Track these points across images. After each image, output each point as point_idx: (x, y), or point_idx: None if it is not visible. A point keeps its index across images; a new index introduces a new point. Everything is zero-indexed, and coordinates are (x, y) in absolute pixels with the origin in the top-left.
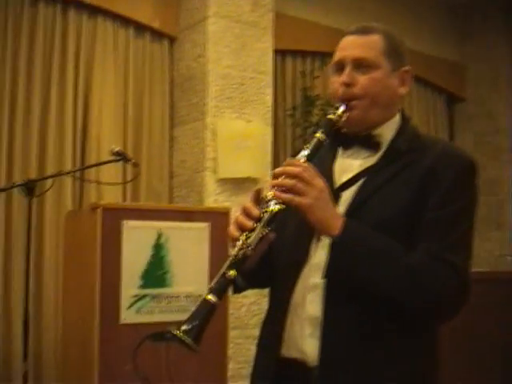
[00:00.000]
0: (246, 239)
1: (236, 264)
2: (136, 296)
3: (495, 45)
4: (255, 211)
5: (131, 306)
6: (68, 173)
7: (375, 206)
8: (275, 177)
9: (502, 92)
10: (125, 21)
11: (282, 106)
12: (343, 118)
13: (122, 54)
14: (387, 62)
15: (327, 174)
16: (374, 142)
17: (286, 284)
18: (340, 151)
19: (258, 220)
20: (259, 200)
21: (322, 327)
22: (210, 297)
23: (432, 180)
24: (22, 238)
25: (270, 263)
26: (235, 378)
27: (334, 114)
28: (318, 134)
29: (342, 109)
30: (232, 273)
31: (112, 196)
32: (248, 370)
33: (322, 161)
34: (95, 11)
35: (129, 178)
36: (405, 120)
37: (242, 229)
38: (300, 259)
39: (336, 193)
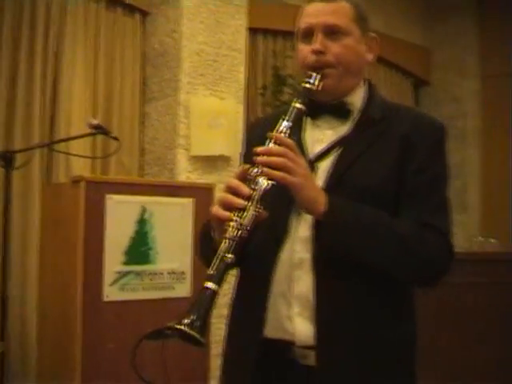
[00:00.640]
0: (240, 219)
1: (233, 247)
2: (119, 273)
3: (462, 30)
4: (246, 189)
5: (114, 282)
6: (49, 144)
7: (356, 176)
8: (258, 155)
9: (468, 77)
10: None
11: (254, 84)
12: (317, 87)
13: (92, 27)
14: (357, 29)
15: (298, 145)
16: (345, 110)
17: (264, 260)
18: (308, 121)
19: (248, 199)
20: (245, 179)
21: (316, 305)
22: (210, 284)
23: (409, 147)
24: None
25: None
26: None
27: (309, 83)
28: (298, 104)
29: (317, 77)
30: (230, 256)
31: (81, 172)
32: (217, 349)
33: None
34: None
35: (98, 152)
36: (372, 87)
37: (231, 208)
38: (280, 234)
39: (311, 164)
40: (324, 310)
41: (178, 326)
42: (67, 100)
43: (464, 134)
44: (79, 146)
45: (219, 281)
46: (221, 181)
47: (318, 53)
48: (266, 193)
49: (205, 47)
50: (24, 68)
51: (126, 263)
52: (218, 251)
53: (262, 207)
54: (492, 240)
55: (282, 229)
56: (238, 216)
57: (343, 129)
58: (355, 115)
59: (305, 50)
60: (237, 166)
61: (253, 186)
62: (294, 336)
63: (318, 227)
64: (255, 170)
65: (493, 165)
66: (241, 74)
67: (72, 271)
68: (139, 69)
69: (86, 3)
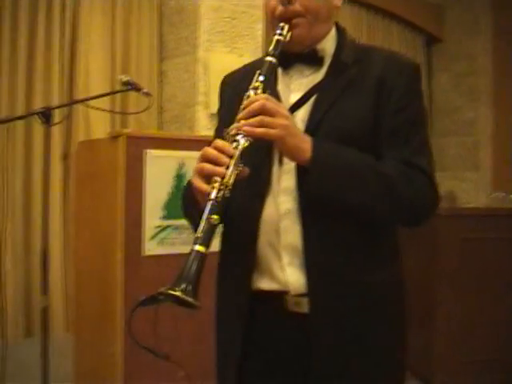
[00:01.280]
0: (222, 180)
1: (217, 207)
2: (159, 227)
3: None
4: (229, 147)
5: (154, 237)
6: (85, 99)
7: (334, 121)
8: (241, 113)
9: (480, 34)
10: None
11: None
12: (287, 38)
13: None
14: None
15: (274, 96)
16: (317, 57)
17: (249, 214)
18: (280, 71)
19: (230, 157)
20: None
21: (305, 253)
22: (198, 247)
23: (384, 88)
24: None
25: None
26: None
27: (280, 34)
28: (269, 58)
29: (286, 28)
30: (215, 217)
31: (101, 130)
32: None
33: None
34: None
35: (117, 109)
36: (341, 31)
37: (217, 164)
38: (262, 187)
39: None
40: (313, 258)
41: (171, 292)
42: (85, 59)
43: (476, 92)
44: (97, 104)
45: (207, 243)
46: None
47: (285, 3)
48: (245, 150)
49: (222, 3)
50: (42, 26)
51: (165, 218)
52: (203, 214)
53: (242, 165)
54: None
55: (264, 181)
56: (220, 177)
57: (317, 76)
58: (327, 61)
59: (272, 2)
60: None
61: (233, 145)
62: (287, 285)
63: (304, 174)
64: (233, 130)
65: (505, 122)
66: (259, 31)
67: (112, 226)
68: (156, 26)
69: None
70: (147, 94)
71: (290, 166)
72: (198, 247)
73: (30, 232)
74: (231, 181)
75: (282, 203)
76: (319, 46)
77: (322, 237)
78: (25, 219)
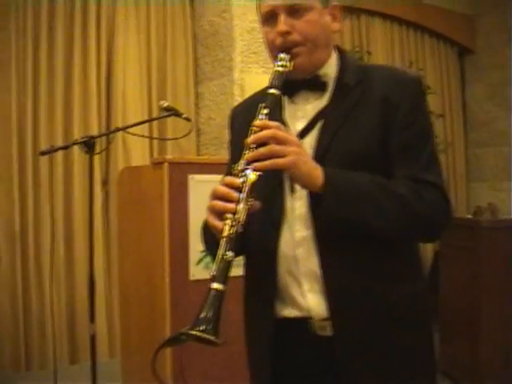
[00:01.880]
0: (234, 216)
1: (231, 244)
2: (204, 251)
3: None
4: (238, 182)
5: (200, 261)
6: (126, 127)
7: (342, 145)
8: (248, 146)
9: None
10: None
11: None
12: (290, 68)
13: (143, 11)
14: (318, 2)
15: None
16: (321, 82)
17: (266, 244)
18: (286, 100)
19: (239, 191)
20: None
21: (324, 279)
22: (216, 285)
23: (390, 106)
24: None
25: None
26: None
27: (281, 65)
28: (272, 90)
29: (287, 58)
30: (230, 255)
31: (139, 156)
32: None
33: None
34: None
35: (155, 135)
36: (342, 54)
37: (227, 200)
38: (277, 217)
39: None
40: (333, 282)
41: (193, 332)
42: (122, 84)
43: (509, 101)
44: (136, 130)
45: (224, 280)
46: None
47: (283, 34)
48: (255, 183)
49: (256, 25)
50: (78, 55)
51: None
52: (218, 251)
53: (252, 199)
54: None
55: (278, 211)
56: (231, 213)
57: (322, 101)
58: (331, 85)
59: (271, 34)
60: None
61: (241, 180)
62: (310, 311)
63: (317, 201)
64: (241, 164)
65: None
66: None
67: (158, 251)
68: (191, 50)
69: None
70: (187, 119)
71: (301, 193)
72: (215, 285)
73: (74, 259)
74: (243, 216)
75: (297, 231)
76: (321, 71)
77: (339, 261)
78: (67, 247)
